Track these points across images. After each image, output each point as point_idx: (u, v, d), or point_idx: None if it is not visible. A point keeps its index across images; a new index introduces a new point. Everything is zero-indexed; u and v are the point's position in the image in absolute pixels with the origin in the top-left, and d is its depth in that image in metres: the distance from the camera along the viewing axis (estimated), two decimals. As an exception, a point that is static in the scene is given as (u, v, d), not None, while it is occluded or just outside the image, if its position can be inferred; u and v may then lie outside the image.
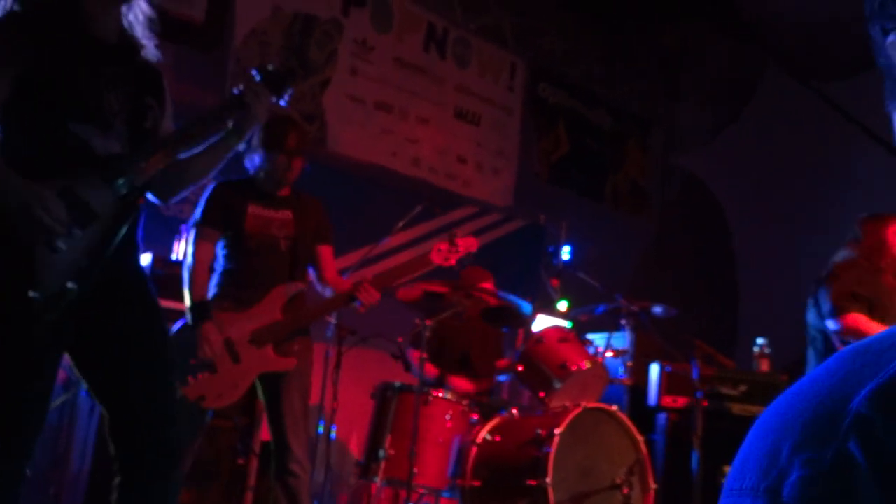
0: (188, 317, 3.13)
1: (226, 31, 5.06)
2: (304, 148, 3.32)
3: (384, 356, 4.18)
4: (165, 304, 3.90)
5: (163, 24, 2.26)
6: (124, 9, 2.08)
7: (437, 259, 3.34)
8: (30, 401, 1.94)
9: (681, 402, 4.70)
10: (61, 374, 2.87)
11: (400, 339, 3.97)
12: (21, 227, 1.84)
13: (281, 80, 2.22)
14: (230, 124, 2.18)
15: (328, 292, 3.39)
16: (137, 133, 2.07)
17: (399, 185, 5.74)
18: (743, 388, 4.74)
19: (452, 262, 3.36)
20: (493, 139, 6.41)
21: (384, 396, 3.84)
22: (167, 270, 3.98)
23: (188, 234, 3.30)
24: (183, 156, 2.18)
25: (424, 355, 3.72)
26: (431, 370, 4.27)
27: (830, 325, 3.81)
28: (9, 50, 1.92)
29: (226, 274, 3.26)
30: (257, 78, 2.20)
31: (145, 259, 4.09)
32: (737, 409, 4.49)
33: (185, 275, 3.18)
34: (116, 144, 2.02)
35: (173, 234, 4.41)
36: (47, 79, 1.94)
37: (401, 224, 4.17)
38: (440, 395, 3.76)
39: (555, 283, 5.20)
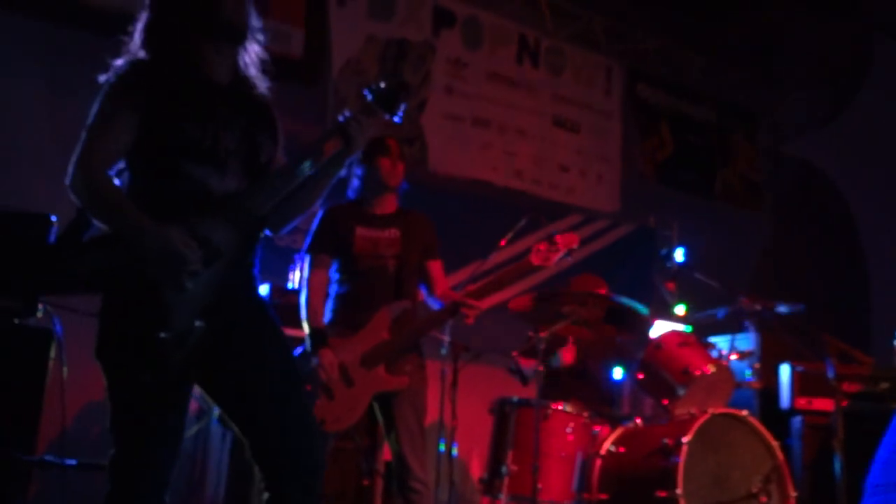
0: (307, 343, 3.21)
1: (323, 64, 5.21)
2: (403, 152, 3.35)
3: (501, 371, 4.15)
4: (288, 332, 4.06)
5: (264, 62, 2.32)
6: (239, 51, 2.16)
7: (536, 260, 3.28)
8: (165, 434, 2.02)
9: (816, 403, 4.43)
10: (193, 405, 2.97)
11: (515, 353, 3.92)
12: (160, 267, 1.91)
13: (393, 97, 2.18)
14: (332, 154, 2.21)
15: (439, 306, 3.39)
16: (253, 170, 2.12)
17: (503, 199, 5.72)
18: (885, 385, 4.42)
19: (553, 261, 3.28)
20: (595, 145, 6.31)
21: (503, 412, 3.80)
22: (284, 300, 4.11)
23: (302, 262, 3.38)
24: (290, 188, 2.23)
25: (540, 368, 3.66)
26: (568, 357, 4.15)
27: None
28: (132, 96, 2.01)
29: (338, 298, 3.32)
30: (369, 97, 2.20)
31: (263, 289, 4.24)
32: (879, 408, 4.19)
33: (302, 302, 3.27)
34: (233, 182, 2.07)
35: (287, 263, 4.55)
36: (164, 123, 2.03)
37: (508, 237, 4.14)
38: (560, 407, 3.69)
39: (670, 286, 5.03)
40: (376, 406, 3.25)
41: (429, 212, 3.86)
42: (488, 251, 4.15)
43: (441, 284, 3.42)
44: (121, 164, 2.08)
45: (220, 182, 2.05)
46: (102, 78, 2.06)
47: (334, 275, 3.34)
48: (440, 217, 4.89)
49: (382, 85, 2.18)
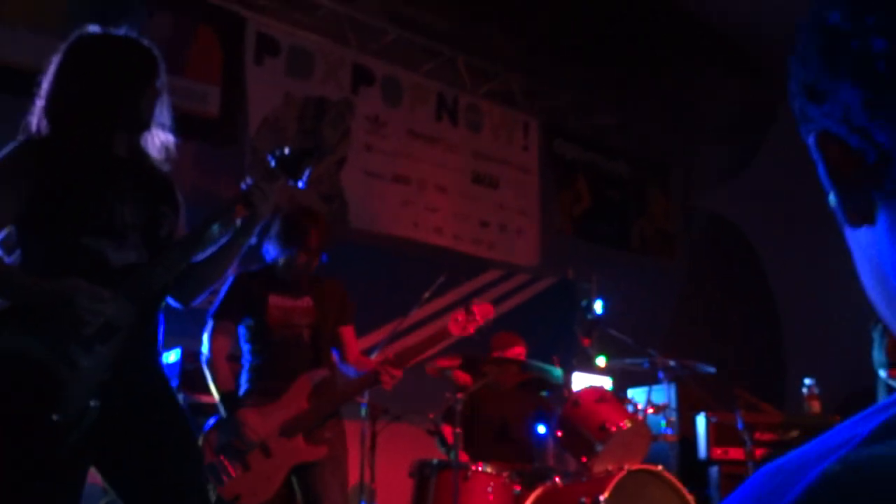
0: (220, 409, 3.12)
1: (240, 123, 5.17)
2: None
3: (420, 432, 4.11)
4: (198, 398, 3.93)
5: (179, 121, 2.31)
6: (142, 134, 2.15)
7: (455, 330, 3.31)
8: None
9: (732, 453, 4.53)
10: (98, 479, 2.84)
11: (431, 416, 3.90)
12: (55, 341, 1.84)
13: (297, 162, 2.21)
14: (238, 223, 2.20)
15: (352, 372, 3.38)
16: (153, 242, 2.09)
17: (424, 256, 5.74)
18: (794, 432, 4.56)
19: (471, 330, 3.32)
20: (514, 200, 6.42)
21: (423, 475, 3.75)
22: (197, 365, 3.99)
23: (207, 325, 3.30)
24: (197, 259, 2.20)
25: (458, 430, 3.64)
26: (463, 457, 4.16)
27: (882, 374, 3.68)
28: (21, 169, 1.98)
29: (253, 369, 3.26)
30: (272, 163, 2.21)
31: (174, 355, 4.11)
32: (790, 455, 4.31)
33: (206, 369, 3.20)
34: (133, 255, 2.04)
35: (201, 326, 4.43)
36: (59, 195, 1.99)
37: (426, 295, 4.15)
38: (479, 468, 3.66)
39: (586, 342, 5.10)
40: (294, 479, 3.17)
41: (349, 269, 3.84)
42: (409, 308, 4.15)
43: (353, 350, 3.41)
44: (11, 239, 2.02)
45: (118, 255, 2.02)
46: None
47: (245, 344, 3.28)
48: (360, 274, 4.88)
49: (286, 151, 2.21)
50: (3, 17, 4.50)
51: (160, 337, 2.18)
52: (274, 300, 3.25)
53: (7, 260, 2.00)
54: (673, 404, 4.46)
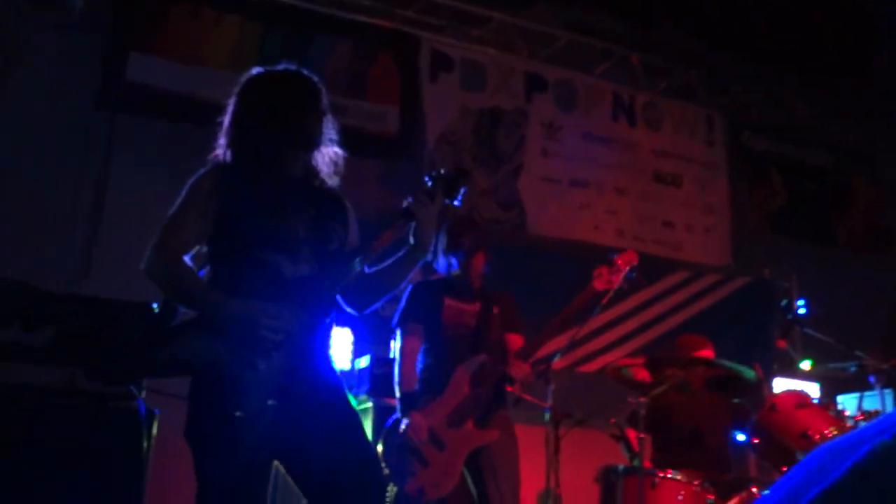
0: (398, 410, 3.27)
1: (418, 139, 5.37)
2: (481, 245, 3.45)
3: (604, 437, 4.01)
4: (388, 401, 4.09)
5: (362, 142, 2.47)
6: (314, 153, 2.32)
7: (599, 285, 3.30)
8: None
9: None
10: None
11: (613, 420, 3.79)
12: (241, 338, 2.04)
13: (452, 182, 2.31)
14: (411, 239, 2.29)
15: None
16: (325, 255, 2.25)
17: (605, 260, 5.62)
18: None
19: (616, 282, 3.28)
20: (700, 197, 6.14)
21: (608, 481, 3.66)
22: (385, 369, 4.18)
23: (393, 335, 3.48)
24: (371, 270, 2.32)
25: (642, 435, 3.51)
26: (647, 464, 4.02)
27: None
28: (209, 194, 2.21)
29: (425, 369, 3.40)
30: (429, 183, 2.31)
31: (365, 360, 4.32)
32: None
33: (395, 370, 3.39)
34: (306, 268, 2.21)
35: (390, 334, 4.63)
36: (241, 216, 2.18)
37: (606, 300, 4.06)
38: (668, 475, 3.51)
39: (781, 344, 4.74)
40: (467, 475, 3.23)
41: (529, 276, 3.87)
42: (591, 313, 4.08)
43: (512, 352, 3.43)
44: (202, 256, 2.24)
45: (293, 268, 2.18)
46: (192, 178, 2.25)
47: (423, 344, 3.42)
48: (540, 280, 4.87)
49: (442, 171, 2.30)
50: (207, 60, 4.99)
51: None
52: (448, 301, 3.43)
53: (199, 274, 2.21)
54: (886, 412, 4.03)
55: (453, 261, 3.43)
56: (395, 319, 3.50)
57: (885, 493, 0.37)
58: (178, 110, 4.79)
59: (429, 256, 2.47)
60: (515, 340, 3.48)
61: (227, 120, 2.32)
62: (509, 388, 3.33)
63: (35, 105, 4.60)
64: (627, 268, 3.30)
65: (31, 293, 2.63)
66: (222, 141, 2.33)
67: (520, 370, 3.22)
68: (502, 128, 5.62)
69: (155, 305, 2.87)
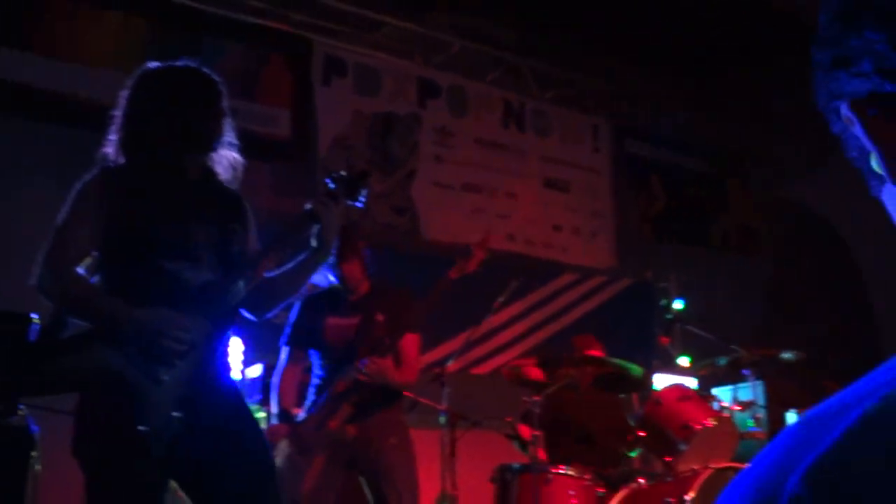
0: (272, 420, 3.38)
1: (311, 143, 5.32)
2: (350, 251, 3.44)
3: (500, 438, 4.10)
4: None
5: (253, 145, 2.41)
6: (211, 155, 2.24)
7: (455, 274, 3.50)
8: None
9: (826, 450, 4.34)
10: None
11: (509, 419, 3.88)
12: (141, 352, 1.95)
13: (354, 184, 2.29)
14: (313, 241, 2.26)
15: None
16: (226, 259, 2.18)
17: (497, 263, 5.73)
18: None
19: (472, 267, 3.51)
20: (586, 202, 6.36)
21: (504, 480, 3.73)
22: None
23: (281, 353, 3.54)
24: (271, 274, 2.27)
25: (537, 432, 3.61)
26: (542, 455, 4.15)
27: None
28: (98, 200, 2.09)
29: (316, 391, 3.44)
30: (331, 186, 2.28)
31: (257, 370, 4.24)
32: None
33: (275, 392, 3.47)
34: (208, 273, 2.13)
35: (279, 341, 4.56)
36: (135, 221, 2.09)
37: (500, 301, 4.15)
38: (561, 471, 3.62)
39: (665, 340, 4.99)
40: (364, 482, 3.25)
41: (422, 280, 3.88)
42: (482, 317, 4.16)
43: (407, 358, 3.49)
44: (94, 263, 2.13)
45: (194, 274, 2.10)
46: (77, 184, 2.13)
47: (314, 360, 3.48)
48: (433, 285, 4.91)
49: (343, 173, 2.28)
50: (89, 58, 4.77)
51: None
52: (331, 321, 3.44)
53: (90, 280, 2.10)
54: (761, 401, 4.30)
55: (328, 272, 3.44)
56: (283, 338, 3.53)
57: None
58: (55, 110, 4.56)
59: (330, 259, 2.46)
60: (409, 341, 3.48)
61: (118, 115, 2.20)
62: (407, 394, 3.38)
63: None
64: (483, 249, 3.58)
65: None
66: (112, 138, 2.22)
67: (372, 366, 3.27)
68: (396, 133, 5.65)
69: (35, 316, 2.73)
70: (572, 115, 6.45)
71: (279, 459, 3.21)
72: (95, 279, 2.12)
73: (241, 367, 4.31)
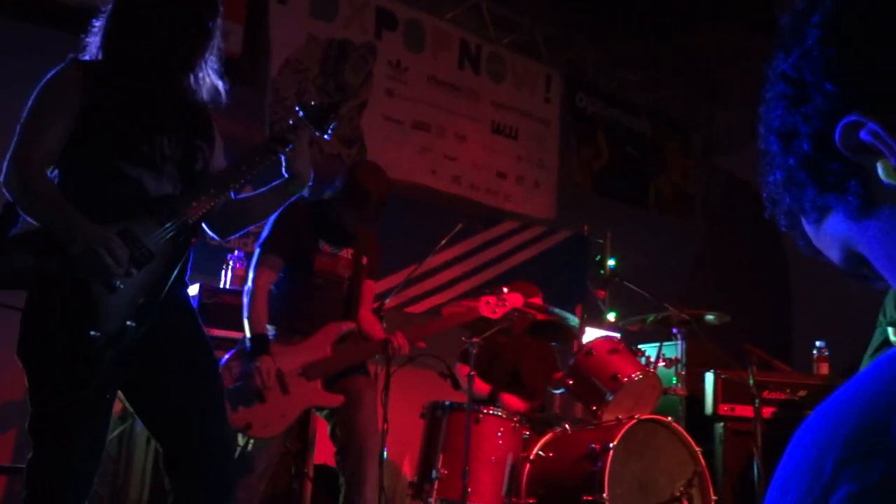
0: (247, 345, 3.14)
1: (262, 63, 5.14)
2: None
3: (433, 375, 4.16)
4: (214, 332, 3.98)
5: None
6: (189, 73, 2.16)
7: (486, 312, 3.49)
8: (89, 439, 1.98)
9: (738, 410, 4.58)
10: (118, 406, 2.96)
11: (447, 359, 3.95)
12: (85, 270, 1.89)
13: (324, 115, 2.27)
14: (284, 171, 2.21)
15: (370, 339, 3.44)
16: (189, 174, 2.13)
17: (440, 203, 5.74)
18: (802, 392, 4.60)
19: (500, 315, 3.49)
20: (533, 152, 6.39)
21: (434, 416, 3.82)
22: (214, 299, 4.04)
23: (254, 255, 3.27)
24: (239, 197, 2.23)
25: (473, 372, 3.69)
26: (482, 387, 4.24)
27: (891, 334, 3.67)
28: (68, 96, 2.00)
29: (287, 305, 3.26)
30: (300, 114, 2.25)
31: (193, 290, 4.16)
32: (797, 415, 4.35)
33: (245, 301, 3.18)
34: (169, 185, 2.10)
35: (220, 263, 4.48)
36: (101, 124, 2.02)
37: (442, 242, 4.17)
38: (490, 412, 3.72)
39: (601, 294, 5.13)
40: (333, 421, 3.22)
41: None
42: (423, 255, 4.17)
43: (366, 306, 3.45)
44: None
45: (156, 184, 2.08)
46: (47, 75, 2.04)
47: (284, 277, 3.28)
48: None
49: (313, 102, 2.27)
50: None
51: (188, 269, 2.21)
52: (325, 247, 3.29)
53: (48, 175, 2.02)
54: (683, 360, 4.49)
55: (340, 201, 3.25)
56: (259, 239, 3.27)
57: None
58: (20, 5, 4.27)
59: (305, 192, 2.36)
60: (368, 288, 3.44)
61: (104, 18, 2.12)
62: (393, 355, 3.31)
63: None
64: (511, 308, 3.51)
65: None
66: (93, 39, 2.12)
67: (400, 350, 3.27)
68: (350, 61, 5.52)
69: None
70: (527, 64, 6.42)
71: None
72: (52, 173, 2.05)
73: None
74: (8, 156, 1.95)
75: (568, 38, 6.60)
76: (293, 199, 2.29)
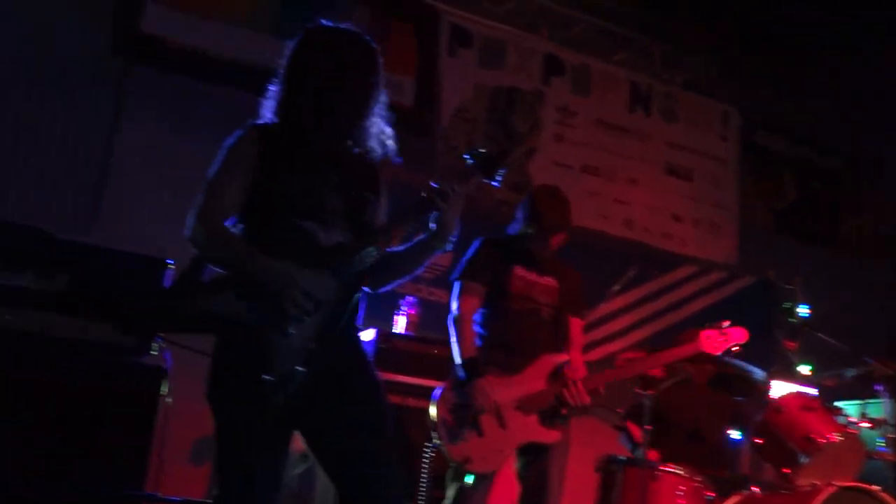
0: (460, 373, 3.14)
1: (433, 113, 5.28)
2: (564, 224, 3.32)
3: (607, 428, 3.98)
4: (390, 377, 4.04)
5: None
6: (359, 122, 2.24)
7: (708, 347, 3.32)
8: (268, 477, 2.04)
9: (961, 479, 4.01)
10: (299, 445, 3.05)
11: (620, 410, 3.76)
12: (276, 303, 1.98)
13: (493, 162, 2.23)
14: (432, 226, 2.21)
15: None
16: (357, 225, 2.19)
17: (613, 248, 5.58)
18: None
19: (721, 349, 3.32)
20: (710, 193, 6.10)
21: (609, 471, 3.63)
22: (389, 344, 4.13)
23: (454, 287, 3.32)
24: (393, 250, 2.26)
25: (648, 427, 3.48)
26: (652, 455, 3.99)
27: None
28: (249, 157, 2.14)
29: (487, 336, 3.25)
30: (469, 161, 2.24)
31: (369, 334, 4.27)
32: None
33: (453, 329, 3.20)
34: (339, 236, 2.15)
35: (393, 308, 4.59)
36: (273, 182, 2.13)
37: (616, 288, 4.03)
38: (670, 469, 3.49)
39: (791, 345, 4.73)
40: (520, 461, 3.17)
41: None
42: (596, 302, 4.05)
43: (576, 345, 3.35)
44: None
45: (326, 236, 2.13)
46: (228, 139, 2.17)
47: (482, 309, 3.28)
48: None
49: (483, 150, 2.23)
50: (224, 15, 4.87)
51: (360, 313, 2.25)
52: (518, 271, 3.28)
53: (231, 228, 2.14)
54: (892, 421, 4.01)
55: (523, 228, 3.28)
56: (456, 273, 3.33)
57: None
58: (191, 65, 4.69)
59: (448, 247, 2.35)
60: (577, 326, 3.36)
61: (280, 73, 2.23)
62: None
63: (47, 52, 4.50)
64: (734, 343, 3.36)
65: (45, 239, 2.55)
66: (269, 103, 2.23)
67: (575, 398, 3.11)
68: (518, 108, 5.55)
69: (170, 262, 2.82)
70: (701, 102, 6.17)
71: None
72: (236, 228, 2.17)
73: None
74: (192, 213, 2.08)
75: (744, 73, 6.29)
76: (437, 253, 2.26)
